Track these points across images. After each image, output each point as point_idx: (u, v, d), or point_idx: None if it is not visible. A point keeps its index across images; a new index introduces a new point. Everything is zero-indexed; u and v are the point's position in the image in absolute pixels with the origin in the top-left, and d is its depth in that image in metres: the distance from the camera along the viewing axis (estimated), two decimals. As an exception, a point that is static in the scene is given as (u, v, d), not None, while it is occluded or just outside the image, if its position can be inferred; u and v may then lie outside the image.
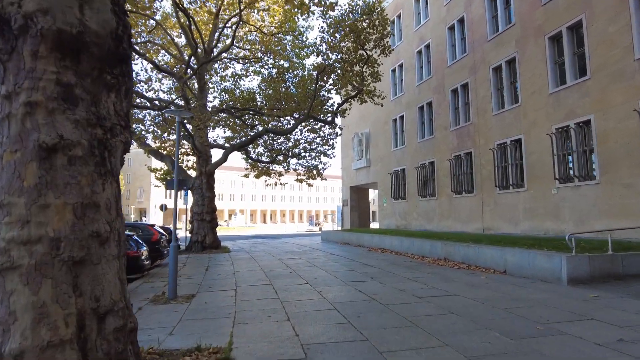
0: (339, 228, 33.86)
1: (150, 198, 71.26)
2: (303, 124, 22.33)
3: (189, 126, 17.70)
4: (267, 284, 8.83)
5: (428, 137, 22.64)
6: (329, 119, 17.75)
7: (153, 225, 13.62)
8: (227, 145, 19.36)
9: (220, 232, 50.76)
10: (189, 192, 18.48)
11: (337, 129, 17.06)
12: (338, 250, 16.90)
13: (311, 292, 7.59)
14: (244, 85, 21.76)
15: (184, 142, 20.54)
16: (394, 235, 15.90)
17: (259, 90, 20.19)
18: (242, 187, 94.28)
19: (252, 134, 17.80)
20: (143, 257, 10.44)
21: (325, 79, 17.65)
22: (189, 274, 10.88)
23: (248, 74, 20.97)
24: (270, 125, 17.56)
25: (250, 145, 21.64)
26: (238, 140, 19.37)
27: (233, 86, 21.22)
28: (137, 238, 10.86)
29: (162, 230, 14.18)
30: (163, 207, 25.90)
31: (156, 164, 23.91)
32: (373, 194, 33.69)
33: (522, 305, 6.18)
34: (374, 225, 35.34)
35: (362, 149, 29.74)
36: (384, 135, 27.33)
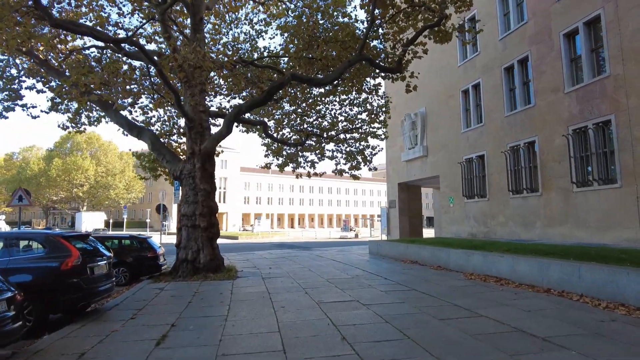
0: (385, 237, 27.11)
1: (173, 200, 66.61)
2: (343, 95, 16.06)
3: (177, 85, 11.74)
4: None
5: (523, 108, 15.82)
6: (393, 65, 11.14)
7: (86, 237, 7.11)
8: (229, 110, 13.04)
9: (243, 239, 43.94)
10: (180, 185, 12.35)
11: (407, 80, 10.54)
12: (411, 278, 10.29)
13: None
14: (263, 48, 15.54)
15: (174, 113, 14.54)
16: (519, 255, 9.13)
17: (284, 46, 13.96)
18: (270, 190, 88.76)
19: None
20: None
21: (378, 20, 11.22)
22: (109, 356, 4.62)
23: (271, 23, 14.72)
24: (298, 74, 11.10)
25: (271, 120, 15.40)
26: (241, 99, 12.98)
27: (250, 47, 15.20)
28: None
29: (104, 249, 7.62)
30: (161, 208, 20.10)
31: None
32: (425, 192, 27.00)
33: None
34: (428, 233, 28.46)
35: (416, 134, 23.03)
36: (448, 113, 20.59)
